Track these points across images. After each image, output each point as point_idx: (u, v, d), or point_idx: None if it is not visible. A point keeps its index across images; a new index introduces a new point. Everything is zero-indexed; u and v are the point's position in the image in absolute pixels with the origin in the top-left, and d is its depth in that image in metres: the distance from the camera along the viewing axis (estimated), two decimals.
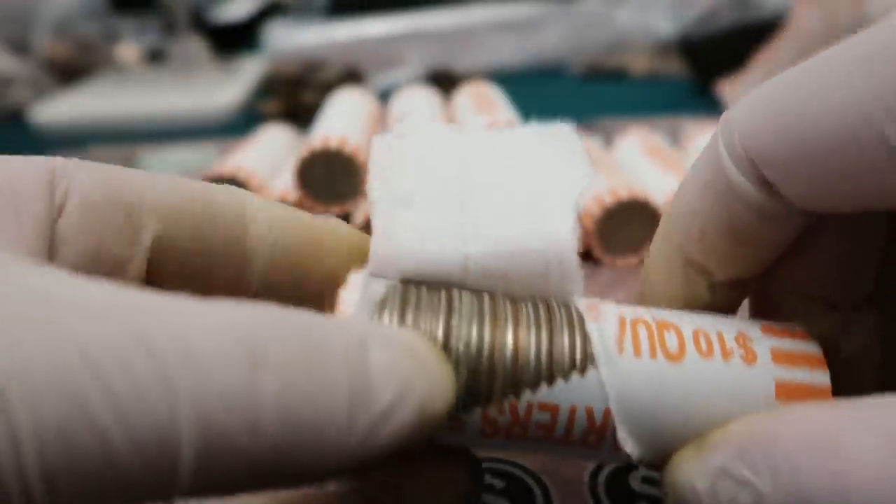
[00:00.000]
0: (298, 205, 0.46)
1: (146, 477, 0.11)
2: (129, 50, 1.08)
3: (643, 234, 0.43)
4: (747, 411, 0.15)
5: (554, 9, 0.94)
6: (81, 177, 0.16)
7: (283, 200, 0.46)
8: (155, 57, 1.09)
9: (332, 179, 0.46)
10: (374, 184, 0.18)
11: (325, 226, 0.19)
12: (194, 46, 0.95)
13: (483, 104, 0.56)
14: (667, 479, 0.15)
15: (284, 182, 0.48)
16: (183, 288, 0.18)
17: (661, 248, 0.17)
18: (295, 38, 0.98)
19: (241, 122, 0.80)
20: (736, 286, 0.17)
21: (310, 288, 0.19)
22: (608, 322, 0.16)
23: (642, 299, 0.18)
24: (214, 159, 0.63)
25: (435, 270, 0.17)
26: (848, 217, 0.16)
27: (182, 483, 0.11)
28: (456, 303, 0.16)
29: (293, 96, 0.79)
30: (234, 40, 1.09)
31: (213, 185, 0.18)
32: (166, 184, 0.17)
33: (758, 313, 0.18)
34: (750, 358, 0.16)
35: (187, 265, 0.17)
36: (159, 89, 0.91)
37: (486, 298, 0.17)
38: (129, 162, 0.65)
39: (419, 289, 0.16)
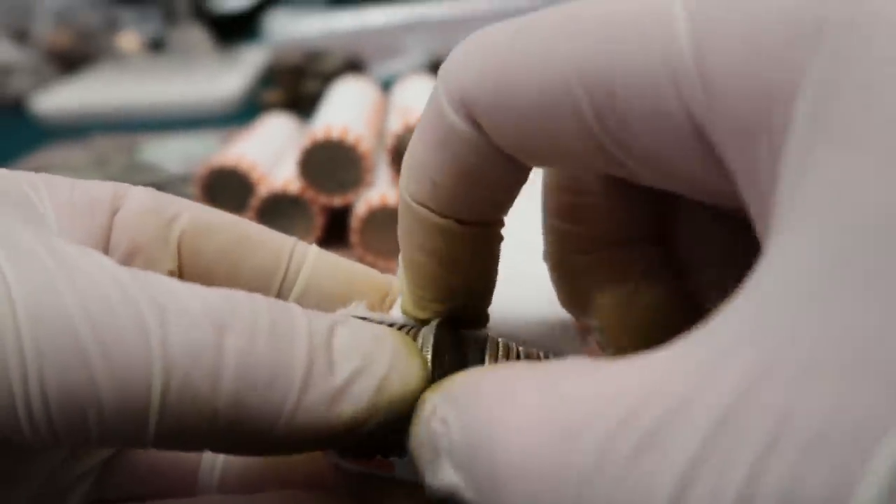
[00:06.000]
0: (301, 194, 0.46)
1: (121, 409, 0.13)
2: (129, 39, 1.08)
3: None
4: None
5: None
6: (135, 193, 0.19)
7: (286, 189, 0.46)
8: (156, 46, 1.09)
9: (334, 169, 0.46)
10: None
11: (358, 273, 0.20)
12: (195, 36, 0.95)
13: None
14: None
15: (287, 171, 0.48)
16: None
17: (404, 204, 0.17)
18: (296, 28, 0.98)
19: (243, 112, 0.80)
20: (482, 228, 0.17)
21: None
22: None
23: (405, 262, 0.18)
24: (216, 149, 0.63)
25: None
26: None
27: (151, 422, 0.13)
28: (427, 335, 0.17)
29: (294, 86, 0.79)
30: (235, 29, 1.09)
31: (259, 225, 0.20)
32: (206, 210, 0.19)
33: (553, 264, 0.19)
34: None
35: (211, 280, 0.19)
36: (160, 78, 0.91)
37: (491, 340, 0.18)
38: (130, 151, 0.65)
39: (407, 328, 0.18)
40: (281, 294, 0.19)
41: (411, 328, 0.18)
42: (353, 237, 0.45)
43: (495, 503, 0.12)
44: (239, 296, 0.14)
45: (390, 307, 0.20)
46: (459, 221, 0.16)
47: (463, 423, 0.13)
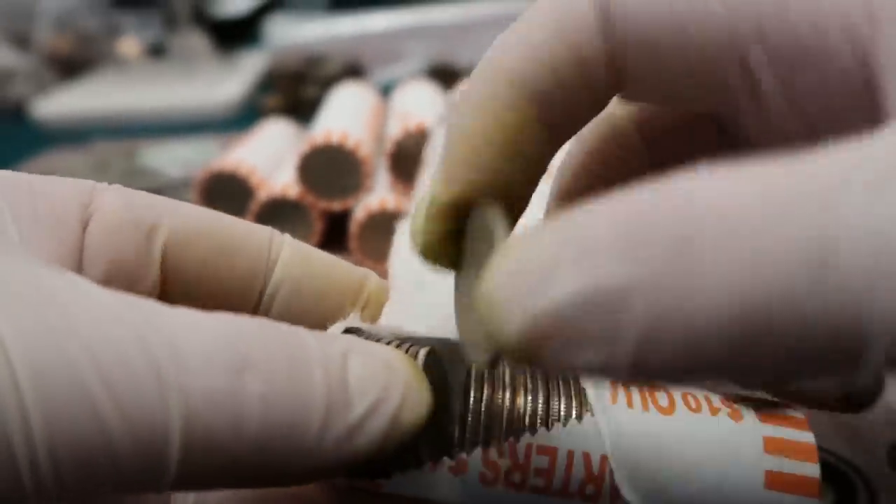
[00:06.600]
0: (300, 198, 0.46)
1: (138, 462, 0.12)
2: (130, 44, 1.08)
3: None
4: (736, 460, 0.16)
5: None
6: (108, 198, 0.17)
7: (285, 194, 0.46)
8: (156, 51, 1.09)
9: (333, 174, 0.46)
10: (396, 263, 0.23)
11: (333, 264, 0.20)
12: (195, 41, 0.95)
13: None
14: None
15: (286, 176, 0.48)
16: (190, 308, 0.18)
17: (486, 87, 0.15)
18: (296, 33, 0.98)
19: (243, 117, 0.81)
20: (563, 128, 0.16)
21: (312, 324, 0.19)
22: (601, 382, 0.17)
23: (458, 128, 0.15)
24: (216, 154, 0.63)
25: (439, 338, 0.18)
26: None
27: (170, 472, 0.12)
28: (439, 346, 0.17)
29: (294, 91, 0.79)
30: (234, 35, 1.09)
31: (241, 220, 0.19)
32: (187, 211, 0.18)
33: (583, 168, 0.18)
34: (736, 416, 0.17)
35: (196, 287, 0.18)
36: (160, 84, 0.91)
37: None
38: (130, 155, 0.66)
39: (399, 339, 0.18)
40: (263, 292, 0.19)
41: (410, 345, 0.18)
42: (352, 242, 0.45)
43: (684, 287, 0.09)
44: (250, 326, 0.14)
45: (363, 306, 0.20)
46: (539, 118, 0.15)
47: (613, 204, 0.10)
